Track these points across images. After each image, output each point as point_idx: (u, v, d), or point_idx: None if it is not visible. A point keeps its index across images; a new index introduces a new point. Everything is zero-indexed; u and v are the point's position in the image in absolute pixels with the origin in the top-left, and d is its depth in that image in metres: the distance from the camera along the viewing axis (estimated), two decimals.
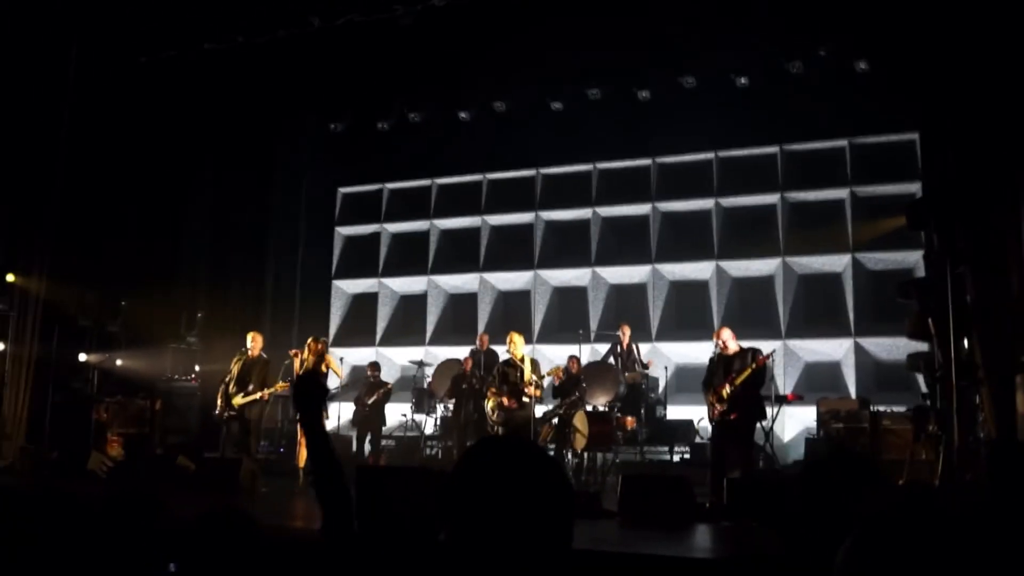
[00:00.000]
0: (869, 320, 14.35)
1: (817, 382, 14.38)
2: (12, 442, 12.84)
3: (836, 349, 14.55)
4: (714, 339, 10.25)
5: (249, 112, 16.15)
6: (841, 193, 14.88)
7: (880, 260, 14.48)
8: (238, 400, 11.60)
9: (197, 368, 14.74)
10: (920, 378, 12.01)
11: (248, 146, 16.74)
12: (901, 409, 11.77)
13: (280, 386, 11.84)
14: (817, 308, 15.03)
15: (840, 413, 12.29)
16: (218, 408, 11.80)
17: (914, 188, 13.72)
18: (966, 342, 9.66)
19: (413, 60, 14.40)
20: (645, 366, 14.02)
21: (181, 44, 14.20)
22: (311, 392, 2.75)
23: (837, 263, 14.82)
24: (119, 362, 14.41)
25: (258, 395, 11.60)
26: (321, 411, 2.75)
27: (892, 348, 13.64)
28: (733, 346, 9.93)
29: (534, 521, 1.69)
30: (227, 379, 11.84)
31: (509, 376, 11.41)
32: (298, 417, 2.70)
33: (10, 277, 13.22)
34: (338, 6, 13.39)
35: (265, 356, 12.12)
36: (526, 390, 11.23)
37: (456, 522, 1.74)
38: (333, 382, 12.54)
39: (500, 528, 1.69)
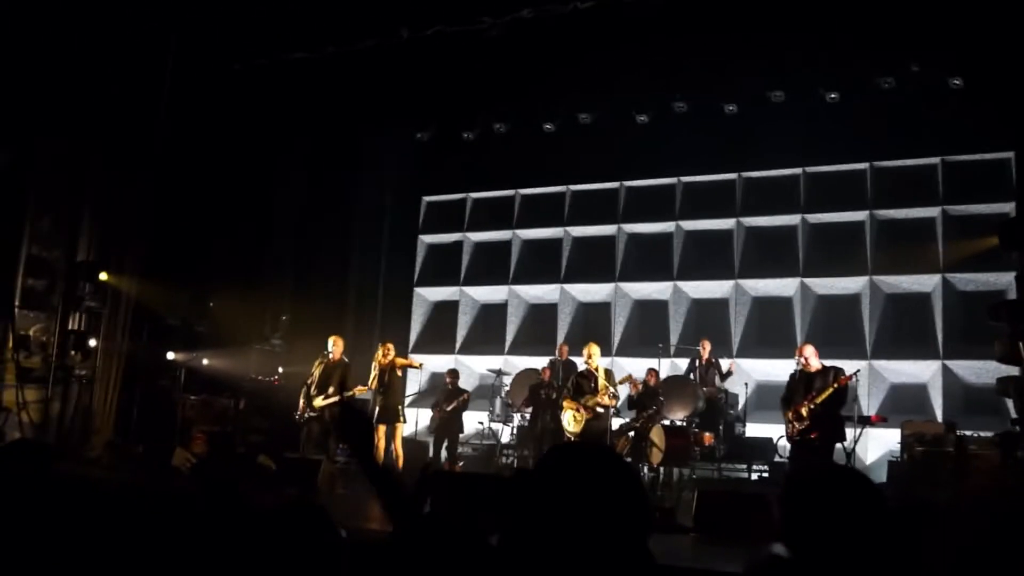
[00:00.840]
0: (958, 342, 14.00)
1: (902, 404, 14.06)
2: (100, 436, 13.18)
3: (923, 371, 14.22)
4: (796, 356, 10.09)
5: (337, 120, 16.42)
6: (932, 212, 14.56)
7: (971, 281, 14.13)
8: (319, 402, 11.78)
9: (280, 369, 15.00)
10: (1009, 403, 11.70)
11: (335, 153, 17.03)
12: (989, 434, 11.45)
13: (360, 389, 12.03)
14: (904, 328, 14.71)
15: (925, 436, 11.99)
16: (299, 409, 12.00)
17: (1008, 208, 13.37)
18: None
19: (499, 71, 14.48)
20: (726, 375, 13.87)
21: (273, 52, 14.50)
22: (354, 423, 2.77)
23: (926, 283, 14.50)
24: (205, 361, 14.72)
25: (337, 398, 11.76)
26: (369, 441, 2.76)
27: (981, 371, 13.28)
28: (815, 364, 9.76)
29: (605, 527, 1.69)
30: (309, 381, 12.04)
31: (583, 387, 11.39)
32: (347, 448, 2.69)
33: (103, 276, 13.60)
34: (427, 17, 13.52)
35: (346, 360, 12.29)
36: (600, 400, 11.18)
37: (525, 523, 1.74)
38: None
39: (570, 532, 1.70)
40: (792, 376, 9.99)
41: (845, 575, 2.24)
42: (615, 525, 1.71)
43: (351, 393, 11.92)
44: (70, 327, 13.49)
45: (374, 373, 12.21)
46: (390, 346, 12.71)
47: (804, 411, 9.47)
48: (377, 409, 11.96)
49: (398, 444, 11.86)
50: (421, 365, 13.61)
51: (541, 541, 1.72)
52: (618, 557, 1.72)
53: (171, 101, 13.94)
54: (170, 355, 14.44)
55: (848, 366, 10.27)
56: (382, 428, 11.78)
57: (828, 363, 9.95)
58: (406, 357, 13.07)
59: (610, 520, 1.71)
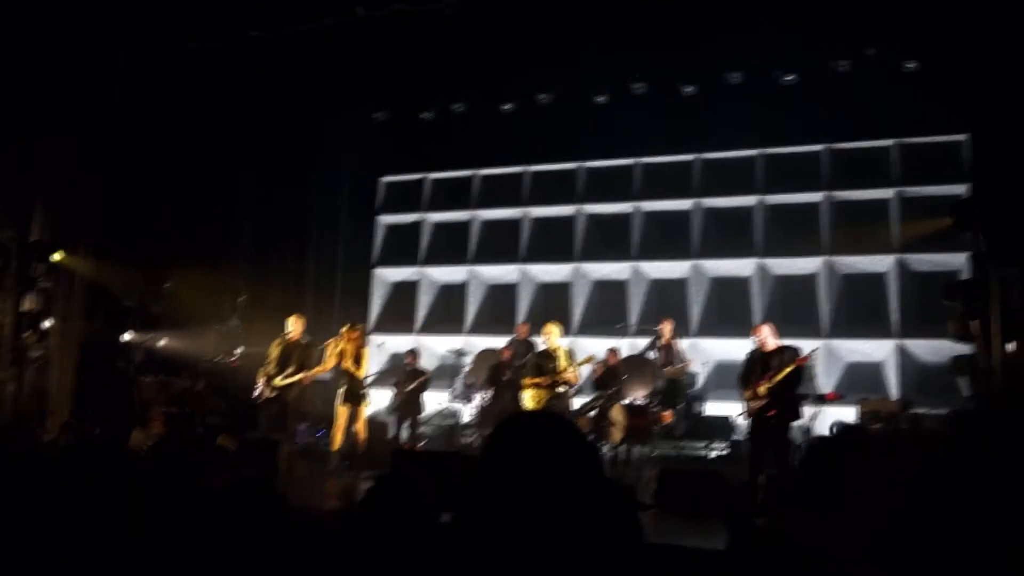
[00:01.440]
0: (913, 321, 14.20)
1: (858, 383, 14.23)
2: (56, 417, 13.02)
3: (878, 350, 14.41)
4: (753, 335, 10.18)
5: (294, 99, 16.27)
6: (887, 193, 14.74)
7: (925, 261, 14.32)
8: (278, 381, 11.71)
9: (238, 350, 14.88)
10: (963, 381, 11.90)
11: (292, 133, 16.86)
12: (943, 411, 11.63)
13: (319, 369, 11.96)
14: (860, 308, 14.88)
15: (881, 414, 12.18)
16: (258, 390, 11.92)
17: (960, 189, 13.58)
18: (1011, 345, 9.55)
19: (457, 51, 14.41)
20: (684, 367, 13.95)
21: (228, 31, 14.33)
22: None
23: (881, 263, 14.68)
24: (162, 342, 14.58)
25: (298, 377, 11.70)
26: None
27: (936, 350, 13.46)
28: (772, 343, 9.85)
29: (560, 494, 1.69)
30: (267, 361, 11.96)
31: (543, 367, 11.39)
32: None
33: (57, 256, 13.40)
34: None
35: (306, 340, 12.22)
36: (562, 378, 11.19)
37: (489, 497, 1.74)
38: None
39: (533, 501, 1.69)
40: (749, 355, 10.07)
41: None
42: (571, 492, 1.71)
43: (312, 373, 11.87)
44: (23, 308, 13.28)
45: (338, 351, 11.96)
46: (362, 328, 12.61)
47: (762, 390, 9.55)
48: (344, 389, 11.84)
49: (361, 425, 11.80)
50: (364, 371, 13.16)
51: (496, 513, 1.72)
52: (579, 525, 1.72)
53: (125, 80, 13.76)
54: (126, 336, 14.27)
55: (805, 345, 10.39)
56: (345, 409, 11.71)
57: (785, 342, 10.05)
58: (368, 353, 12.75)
59: (565, 487, 1.71)
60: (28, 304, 13.35)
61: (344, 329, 12.11)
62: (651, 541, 6.55)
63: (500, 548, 1.69)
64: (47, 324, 13.32)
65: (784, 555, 2.51)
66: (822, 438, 2.70)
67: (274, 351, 11.94)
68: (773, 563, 2.51)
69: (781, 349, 9.80)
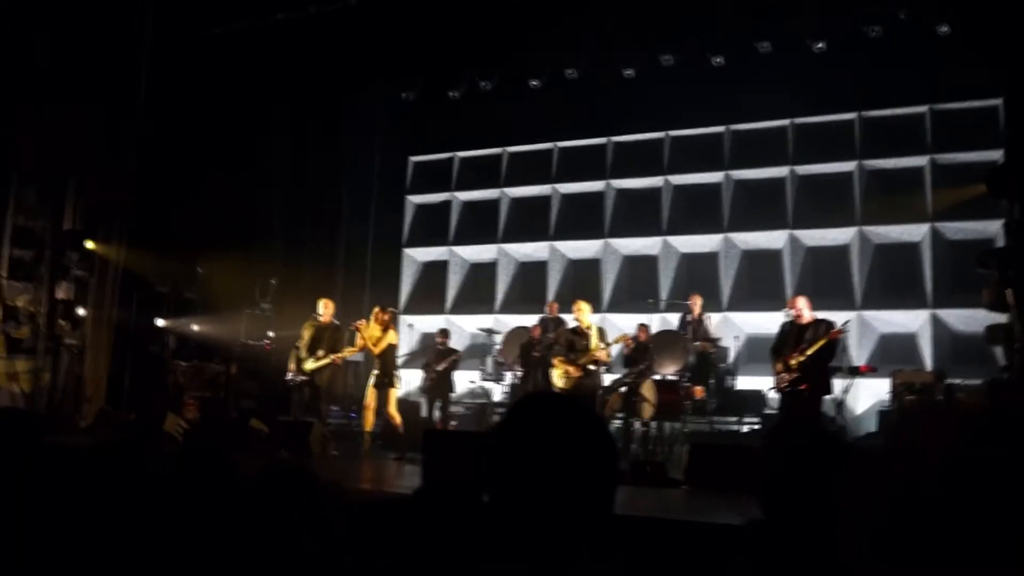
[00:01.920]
0: (947, 291, 14.02)
1: (892, 354, 14.10)
2: (92, 404, 13.20)
3: (912, 320, 14.26)
4: (788, 307, 10.10)
5: (321, 81, 16.28)
6: (920, 161, 14.53)
7: (960, 229, 14.12)
8: (309, 365, 11.77)
9: (271, 333, 14.99)
10: (998, 351, 11.74)
11: (321, 115, 16.90)
12: (978, 382, 11.50)
13: (350, 350, 12.02)
14: (894, 278, 14.72)
15: (915, 385, 12.04)
16: (290, 373, 11.99)
17: (996, 155, 13.31)
18: None
19: (484, 28, 14.36)
20: (715, 341, 13.88)
21: (254, 14, 14.35)
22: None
23: (915, 232, 14.50)
24: (195, 327, 14.72)
25: (329, 359, 11.76)
26: None
27: (970, 320, 13.31)
28: (807, 315, 9.77)
29: (574, 476, 1.68)
30: (298, 344, 12.02)
31: (575, 344, 11.37)
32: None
33: (90, 244, 13.54)
34: None
35: (336, 322, 12.27)
36: (593, 356, 11.17)
37: (497, 479, 1.74)
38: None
39: (539, 483, 1.69)
40: (783, 327, 9.99)
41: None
42: (583, 474, 1.70)
43: (343, 354, 11.93)
44: (58, 297, 13.44)
45: (367, 333, 12.00)
46: (393, 312, 12.63)
47: (794, 362, 9.48)
48: (374, 372, 11.87)
49: (392, 408, 11.82)
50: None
51: (514, 494, 1.72)
52: (586, 507, 1.72)
53: (152, 67, 13.81)
54: (159, 322, 14.41)
55: (838, 317, 10.28)
56: (374, 392, 11.73)
57: (820, 315, 9.96)
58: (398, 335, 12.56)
59: (577, 469, 1.70)
60: (62, 292, 13.53)
61: (376, 310, 12.13)
62: (680, 518, 6.54)
63: (508, 528, 1.70)
64: (81, 312, 13.49)
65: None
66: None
67: (305, 334, 12.01)
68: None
69: (816, 322, 9.72)
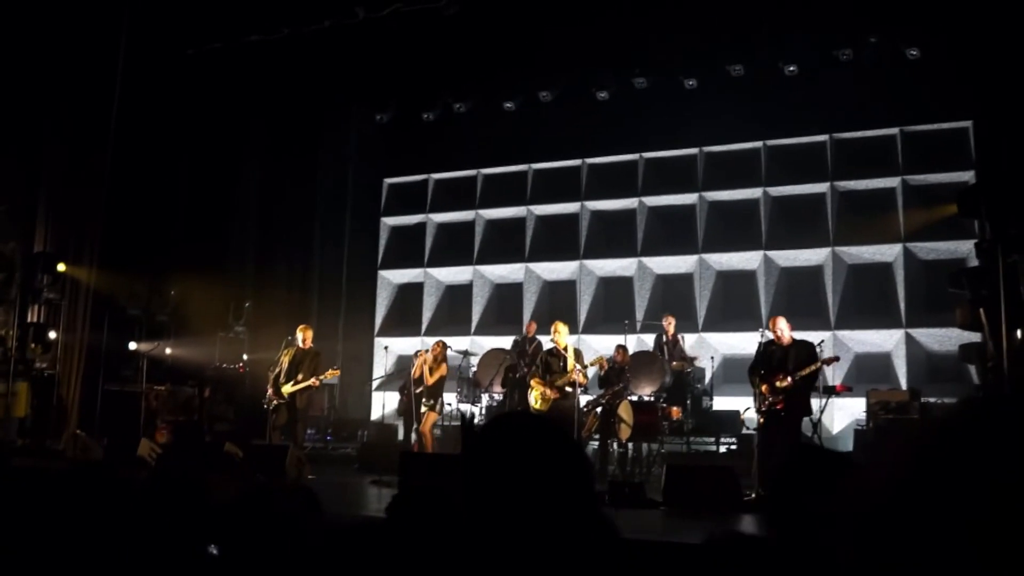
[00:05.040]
0: (920, 310, 14.14)
1: (867, 373, 14.19)
2: (63, 428, 13.03)
3: (886, 340, 14.35)
4: (768, 327, 10.09)
5: (295, 103, 16.27)
6: (892, 182, 14.67)
7: (931, 249, 14.25)
8: (288, 389, 11.73)
9: (245, 356, 14.88)
10: (972, 369, 11.83)
11: (295, 137, 16.87)
12: (952, 400, 11.56)
13: (330, 373, 12.03)
14: (867, 298, 14.83)
15: (890, 404, 12.11)
16: (267, 396, 11.93)
17: (966, 176, 13.50)
18: (1019, 332, 9.49)
19: (458, 50, 14.41)
20: (691, 360, 13.91)
21: (227, 36, 14.32)
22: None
23: (888, 253, 14.62)
24: (168, 350, 14.58)
25: (309, 382, 11.73)
26: None
27: (944, 339, 13.42)
28: (787, 336, 9.75)
29: (547, 494, 1.67)
30: (276, 371, 11.96)
31: (552, 365, 11.35)
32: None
33: (61, 267, 13.41)
34: None
35: (315, 348, 12.25)
36: (570, 378, 11.15)
37: (471, 499, 1.72)
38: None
39: (512, 502, 1.67)
40: (765, 347, 9.93)
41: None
42: (556, 493, 1.69)
43: (323, 376, 11.92)
44: (29, 319, 13.29)
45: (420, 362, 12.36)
46: (443, 343, 12.89)
47: (780, 385, 9.45)
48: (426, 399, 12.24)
49: (427, 427, 12.23)
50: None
51: (488, 513, 1.70)
52: (563, 525, 1.70)
53: (125, 88, 13.74)
54: (132, 345, 14.28)
55: (813, 337, 10.31)
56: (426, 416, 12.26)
57: (797, 335, 9.97)
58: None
59: (551, 487, 1.68)
60: (33, 316, 13.36)
61: (433, 344, 12.65)
62: (658, 539, 6.52)
63: (484, 549, 1.68)
64: (53, 335, 13.33)
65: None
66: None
67: (284, 359, 11.96)
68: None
69: (797, 343, 9.71)
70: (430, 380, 12.17)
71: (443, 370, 12.41)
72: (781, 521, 2.49)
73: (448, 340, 16.84)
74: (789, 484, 2.51)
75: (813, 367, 9.41)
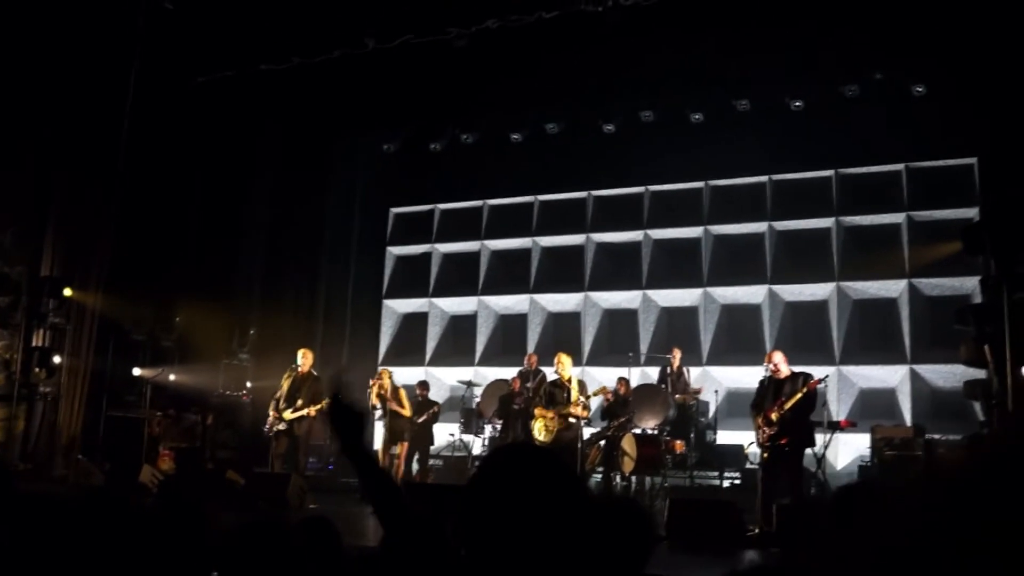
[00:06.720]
0: (925, 346, 14.10)
1: (871, 409, 14.14)
2: (66, 454, 13.02)
3: (891, 375, 14.31)
4: (765, 362, 10.09)
5: (303, 132, 16.36)
6: (897, 218, 14.68)
7: (937, 286, 14.24)
8: (288, 415, 11.70)
9: (248, 384, 14.88)
10: (977, 406, 11.80)
11: (303, 165, 16.94)
12: (957, 437, 11.53)
13: (326, 403, 11.98)
14: (872, 334, 14.80)
15: (894, 440, 12.08)
16: (268, 423, 11.91)
17: (971, 213, 13.50)
18: None
19: (466, 82, 14.50)
20: (695, 392, 13.91)
21: (238, 65, 14.43)
22: (347, 415, 2.67)
23: (893, 288, 14.60)
24: (172, 377, 14.59)
25: (307, 411, 11.69)
26: (361, 434, 2.60)
27: (949, 375, 13.38)
28: (785, 370, 9.76)
29: (546, 526, 1.67)
30: (277, 395, 11.95)
31: (556, 396, 11.35)
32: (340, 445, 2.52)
33: (67, 291, 13.43)
34: (393, 27, 13.52)
35: (315, 373, 12.21)
36: (572, 411, 11.15)
37: (470, 531, 1.72)
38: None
39: (512, 535, 1.67)
40: (761, 382, 9.98)
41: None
42: (555, 526, 1.69)
43: (320, 406, 11.84)
44: (34, 344, 13.31)
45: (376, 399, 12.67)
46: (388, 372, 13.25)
47: (774, 416, 9.46)
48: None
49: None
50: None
51: (488, 544, 1.70)
52: (563, 558, 1.70)
53: (134, 114, 13.82)
54: (136, 371, 14.29)
55: (817, 372, 10.28)
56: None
57: (797, 369, 9.97)
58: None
59: (549, 520, 1.69)
60: (38, 340, 13.38)
61: (417, 389, 13.40)
62: (661, 573, 6.49)
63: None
64: (57, 360, 13.34)
65: None
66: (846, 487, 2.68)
67: (284, 384, 11.95)
68: None
69: (794, 376, 9.72)
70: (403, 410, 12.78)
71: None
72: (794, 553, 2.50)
73: (452, 371, 16.95)
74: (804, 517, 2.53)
75: (799, 394, 9.41)
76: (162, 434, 13.73)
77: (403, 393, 12.99)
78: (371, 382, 12.88)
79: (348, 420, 2.51)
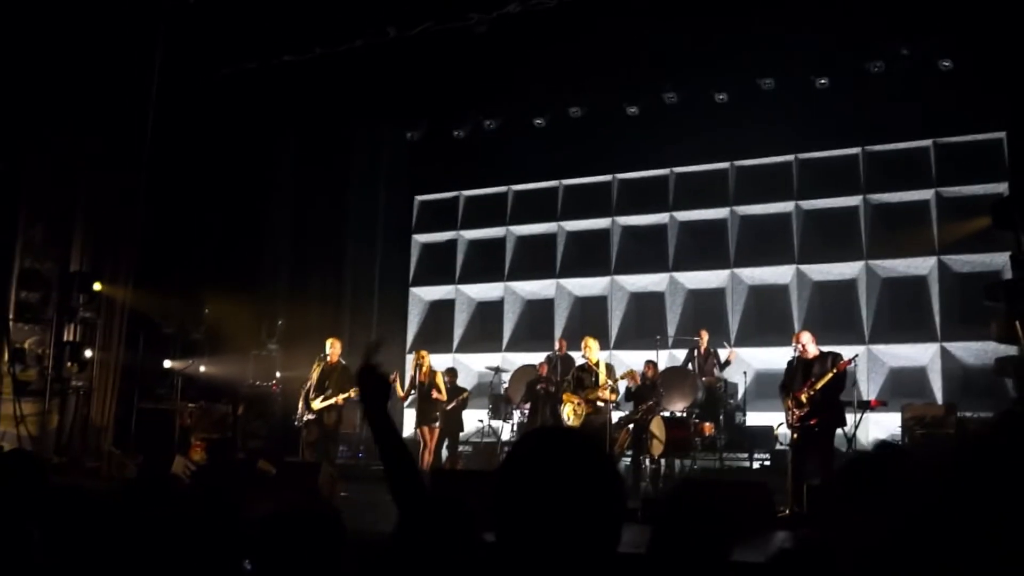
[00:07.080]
0: (956, 324, 13.98)
1: (902, 387, 14.04)
2: (99, 447, 13.14)
3: (922, 354, 14.20)
4: (793, 342, 10.01)
5: (327, 121, 16.38)
6: (926, 194, 14.54)
7: (966, 262, 14.10)
8: (317, 404, 11.74)
9: (278, 374, 14.96)
10: (1009, 383, 11.68)
11: (327, 155, 16.99)
12: (988, 415, 11.43)
13: (354, 391, 12.00)
14: (902, 312, 14.69)
15: (925, 419, 11.99)
16: (299, 412, 11.96)
17: (1001, 188, 13.37)
18: None
19: (489, 68, 14.46)
20: (726, 363, 13.82)
21: (261, 56, 14.46)
22: (375, 380, 2.79)
23: (922, 266, 14.48)
24: (202, 368, 14.69)
25: (336, 399, 11.72)
26: (386, 400, 2.79)
27: (980, 352, 13.26)
28: (813, 350, 9.67)
29: (579, 513, 1.66)
30: (307, 384, 11.99)
31: (584, 381, 11.33)
32: (363, 411, 2.74)
33: (97, 286, 13.53)
34: (414, 15, 13.50)
35: (344, 362, 12.23)
36: (600, 395, 11.13)
37: (502, 516, 1.72)
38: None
39: (545, 521, 1.67)
40: (790, 363, 9.89)
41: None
42: (588, 511, 1.68)
43: (349, 394, 11.86)
44: (65, 338, 13.42)
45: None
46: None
47: (803, 397, 9.39)
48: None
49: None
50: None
51: (521, 530, 1.69)
52: (591, 544, 1.69)
53: (160, 108, 13.89)
54: (167, 363, 14.40)
55: (846, 351, 10.21)
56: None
57: (826, 349, 9.89)
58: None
59: (582, 505, 1.68)
60: (69, 334, 13.50)
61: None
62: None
63: (516, 565, 1.68)
64: (88, 354, 13.45)
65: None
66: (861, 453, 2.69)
67: (313, 374, 11.98)
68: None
69: (823, 356, 9.63)
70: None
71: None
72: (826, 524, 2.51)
73: (480, 357, 16.96)
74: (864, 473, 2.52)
75: (828, 375, 9.32)
76: (193, 425, 13.83)
77: (440, 377, 13.01)
78: (412, 360, 12.97)
79: (375, 385, 2.74)
